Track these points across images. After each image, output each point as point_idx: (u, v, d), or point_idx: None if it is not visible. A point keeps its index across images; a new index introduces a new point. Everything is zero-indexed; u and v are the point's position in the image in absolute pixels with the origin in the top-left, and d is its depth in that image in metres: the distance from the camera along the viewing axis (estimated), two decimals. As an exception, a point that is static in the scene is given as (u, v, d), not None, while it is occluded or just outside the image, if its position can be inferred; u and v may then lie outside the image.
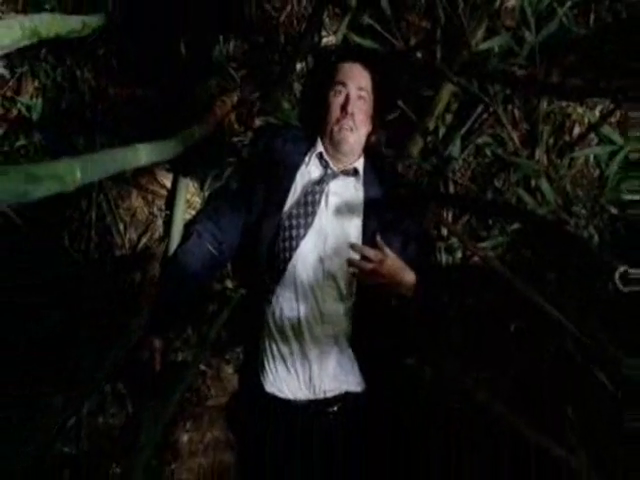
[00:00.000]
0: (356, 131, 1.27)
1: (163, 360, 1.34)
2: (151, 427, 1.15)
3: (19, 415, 1.27)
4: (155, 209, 1.60)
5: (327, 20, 1.45)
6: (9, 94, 1.59)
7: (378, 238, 1.16)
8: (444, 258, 1.36)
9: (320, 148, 1.30)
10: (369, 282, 1.17)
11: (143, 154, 1.00)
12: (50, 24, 0.92)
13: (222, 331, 1.49)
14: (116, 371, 1.30)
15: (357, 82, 1.29)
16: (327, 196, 1.28)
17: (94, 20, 1.06)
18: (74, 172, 0.70)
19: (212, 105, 1.50)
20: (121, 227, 1.59)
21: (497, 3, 1.35)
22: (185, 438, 1.53)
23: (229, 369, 1.55)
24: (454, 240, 1.36)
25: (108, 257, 1.57)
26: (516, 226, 1.31)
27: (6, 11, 1.46)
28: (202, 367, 1.53)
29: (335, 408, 1.25)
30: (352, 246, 1.15)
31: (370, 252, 1.13)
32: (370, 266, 1.12)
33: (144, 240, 1.60)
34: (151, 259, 1.56)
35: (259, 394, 1.29)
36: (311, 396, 1.25)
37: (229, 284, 1.53)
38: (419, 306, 1.19)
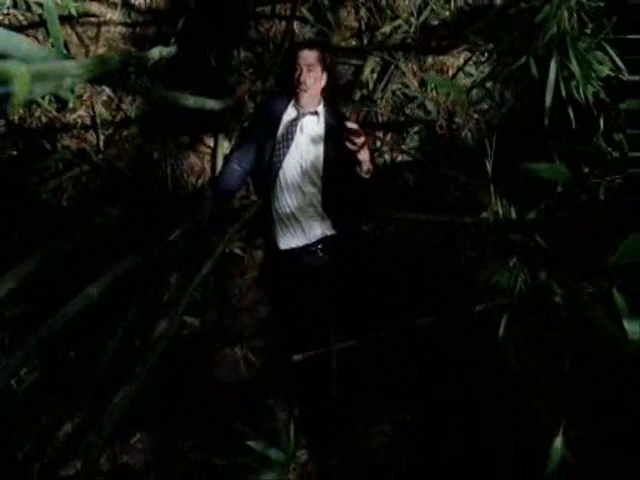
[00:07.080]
0: (309, 90, 2.04)
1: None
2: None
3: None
4: (205, 163, 2.52)
5: (297, 30, 2.36)
6: (114, 106, 2.59)
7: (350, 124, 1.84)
8: (380, 159, 2.20)
9: (294, 101, 2.14)
10: (360, 151, 1.85)
11: (211, 103, 1.97)
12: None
13: (251, 228, 2.39)
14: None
15: (307, 61, 2.03)
16: (301, 127, 2.09)
17: (168, 50, 1.99)
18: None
19: (234, 91, 2.44)
20: (185, 176, 2.51)
21: (395, 4, 2.23)
22: (236, 299, 2.40)
23: (257, 252, 2.42)
24: (385, 147, 2.19)
25: (179, 194, 2.50)
26: (420, 132, 2.15)
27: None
28: (240, 253, 2.41)
29: (320, 246, 2.09)
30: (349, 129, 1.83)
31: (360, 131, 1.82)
32: (362, 139, 1.82)
33: (200, 182, 2.51)
34: (205, 193, 2.47)
35: (278, 252, 2.15)
36: (306, 241, 2.09)
37: (253, 197, 2.42)
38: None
